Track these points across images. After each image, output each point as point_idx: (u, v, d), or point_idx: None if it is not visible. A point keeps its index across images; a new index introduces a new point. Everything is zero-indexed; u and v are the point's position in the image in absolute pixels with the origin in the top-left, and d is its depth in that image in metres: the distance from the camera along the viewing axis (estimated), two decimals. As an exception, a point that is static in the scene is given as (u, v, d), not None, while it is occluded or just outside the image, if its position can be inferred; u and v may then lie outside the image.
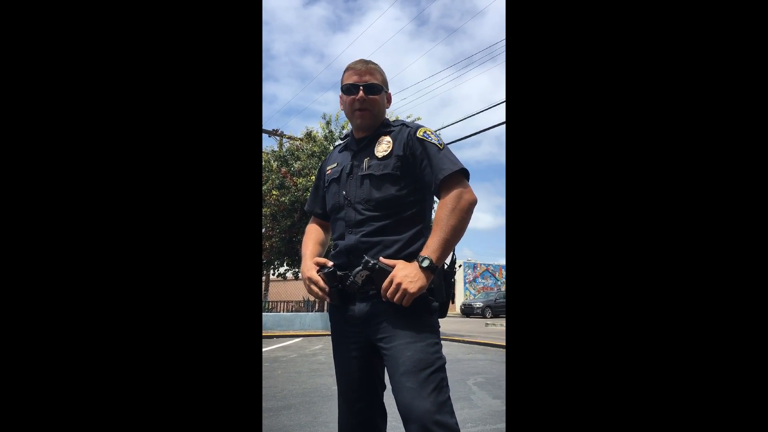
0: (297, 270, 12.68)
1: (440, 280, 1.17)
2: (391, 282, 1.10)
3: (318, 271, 1.22)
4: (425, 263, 1.10)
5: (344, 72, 1.30)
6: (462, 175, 1.17)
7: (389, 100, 1.32)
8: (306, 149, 11.63)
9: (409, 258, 1.15)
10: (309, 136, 12.15)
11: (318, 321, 11.31)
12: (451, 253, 1.18)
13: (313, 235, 1.39)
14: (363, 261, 1.14)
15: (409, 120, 10.69)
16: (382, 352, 1.16)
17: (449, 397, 1.10)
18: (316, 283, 1.21)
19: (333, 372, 5.12)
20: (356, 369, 1.23)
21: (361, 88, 1.24)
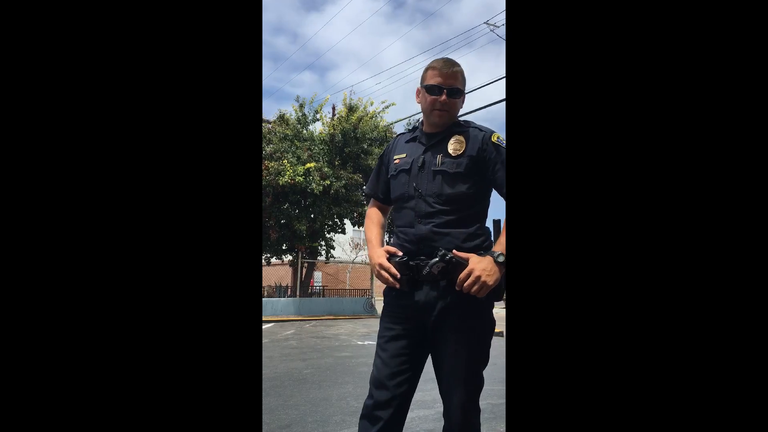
0: (269, 255, 12.57)
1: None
2: (469, 274, 1.18)
3: (389, 259, 1.31)
4: (500, 258, 1.19)
5: (428, 69, 1.37)
6: None
7: (463, 101, 1.41)
8: (278, 132, 11.43)
9: (471, 251, 1.24)
10: (282, 119, 11.93)
11: (290, 306, 11.29)
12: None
13: (375, 219, 1.49)
14: (440, 254, 1.23)
15: (384, 104, 10.31)
16: (441, 343, 1.26)
17: (479, 392, 1.27)
18: (387, 270, 1.29)
19: (304, 356, 5.12)
20: (406, 354, 1.29)
21: (445, 91, 1.31)
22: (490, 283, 1.17)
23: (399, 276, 1.27)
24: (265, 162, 10.50)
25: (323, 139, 11.74)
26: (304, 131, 11.90)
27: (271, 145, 11.02)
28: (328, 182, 10.87)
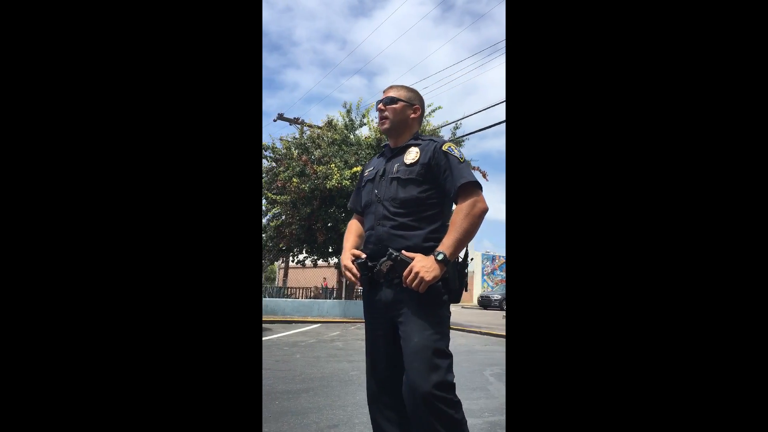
0: (316, 257, 12.84)
1: (454, 271, 1.37)
2: (410, 271, 1.30)
3: (353, 261, 1.45)
4: (440, 257, 1.31)
5: None
6: (477, 186, 1.40)
7: (416, 111, 1.57)
8: (326, 137, 11.68)
9: (427, 251, 1.35)
10: (330, 124, 12.18)
11: (336, 308, 11.46)
12: (464, 249, 1.39)
13: (353, 228, 1.63)
14: (387, 252, 1.36)
15: (430, 108, 10.42)
16: (399, 333, 1.36)
17: (452, 380, 1.29)
18: (350, 270, 1.45)
19: (350, 358, 5.19)
20: (383, 345, 1.44)
21: (381, 102, 1.56)
22: (428, 279, 1.27)
23: (359, 276, 1.42)
24: (313, 166, 10.75)
25: (370, 144, 11.86)
26: (351, 136, 12.09)
27: (319, 150, 11.26)
28: (374, 186, 10.93)
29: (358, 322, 10.73)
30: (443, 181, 1.42)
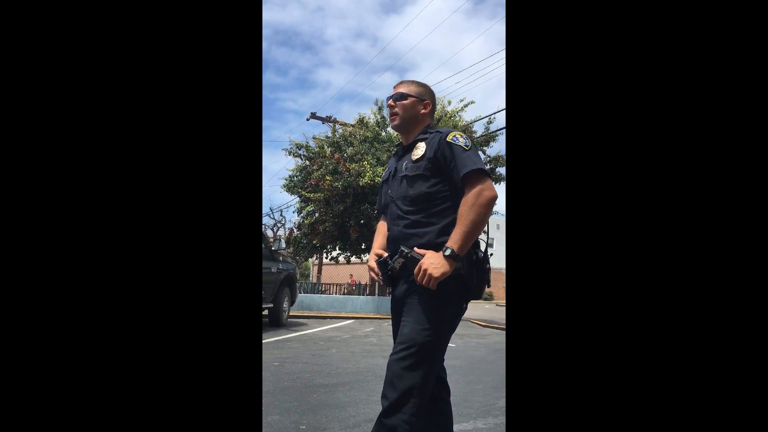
0: (349, 254, 12.99)
1: (471, 266, 1.35)
2: (419, 268, 1.29)
3: (376, 260, 1.48)
4: (447, 252, 1.28)
5: None
6: (482, 173, 1.33)
7: (426, 106, 1.54)
8: (358, 135, 11.76)
9: (441, 246, 1.32)
10: (361, 122, 12.25)
11: (369, 304, 11.57)
12: (483, 241, 1.39)
13: (380, 229, 1.63)
14: (399, 250, 1.37)
15: (462, 103, 10.16)
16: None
17: (414, 379, 1.27)
18: (373, 270, 1.50)
19: (385, 354, 5.19)
20: None
21: (391, 98, 1.54)
22: (436, 275, 1.26)
23: (380, 274, 1.45)
24: (346, 164, 10.86)
25: (401, 141, 11.84)
26: (383, 133, 12.11)
27: (352, 148, 11.36)
28: (407, 183, 10.94)
29: (391, 319, 10.74)
30: (451, 173, 1.37)
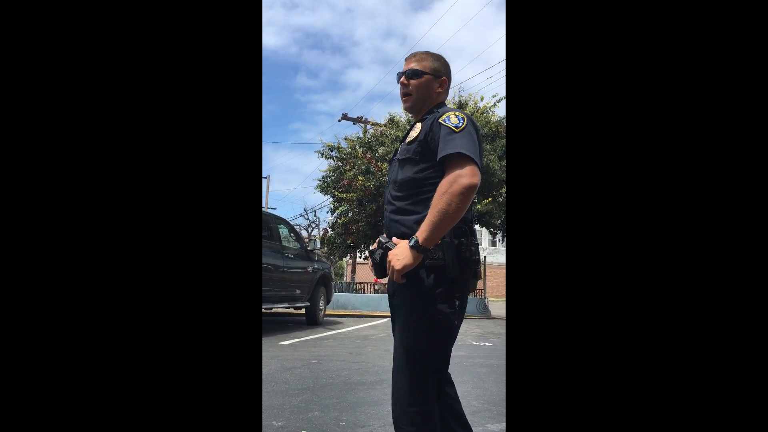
0: (382, 253, 12.99)
1: (452, 257, 1.19)
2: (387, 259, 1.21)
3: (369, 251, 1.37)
4: (412, 242, 1.16)
5: None
6: (461, 157, 1.16)
7: (441, 84, 1.36)
8: (390, 134, 11.79)
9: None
10: (392, 121, 12.27)
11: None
12: (462, 229, 1.22)
13: None
14: (381, 242, 1.25)
15: (495, 98, 9.85)
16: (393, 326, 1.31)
17: (419, 389, 1.19)
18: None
19: (421, 352, 4.98)
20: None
21: (403, 75, 1.34)
22: (397, 267, 1.15)
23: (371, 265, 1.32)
24: (378, 164, 10.91)
25: (433, 139, 11.79)
26: (414, 132, 12.07)
27: (383, 147, 11.40)
28: (439, 181, 10.91)
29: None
30: (438, 154, 1.22)
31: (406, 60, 1.37)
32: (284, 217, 8.09)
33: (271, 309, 6.48)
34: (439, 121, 1.24)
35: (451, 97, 12.62)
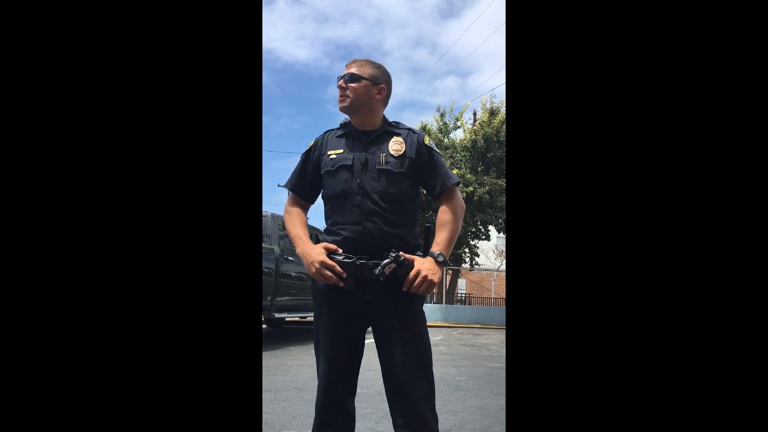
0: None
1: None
2: (417, 274, 1.25)
3: (329, 256, 1.29)
4: (440, 258, 1.29)
5: None
6: (457, 185, 1.42)
7: (380, 92, 1.40)
8: (421, 143, 11.79)
9: (414, 250, 1.33)
10: (423, 129, 12.31)
11: (437, 312, 11.48)
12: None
13: (301, 218, 1.47)
14: (393, 255, 1.26)
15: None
16: (390, 336, 1.31)
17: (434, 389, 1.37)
18: (331, 269, 1.27)
19: (456, 363, 5.13)
20: (354, 346, 1.38)
21: (343, 78, 1.40)
22: (436, 281, 1.26)
23: (344, 275, 1.26)
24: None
25: (465, 146, 11.73)
26: (446, 139, 12.06)
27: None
28: (471, 189, 10.82)
29: (460, 327, 10.62)
30: (426, 177, 1.38)
31: (346, 65, 1.43)
32: (320, 228, 8.22)
33: (305, 317, 6.61)
34: (427, 144, 1.39)
35: (483, 103, 12.53)
